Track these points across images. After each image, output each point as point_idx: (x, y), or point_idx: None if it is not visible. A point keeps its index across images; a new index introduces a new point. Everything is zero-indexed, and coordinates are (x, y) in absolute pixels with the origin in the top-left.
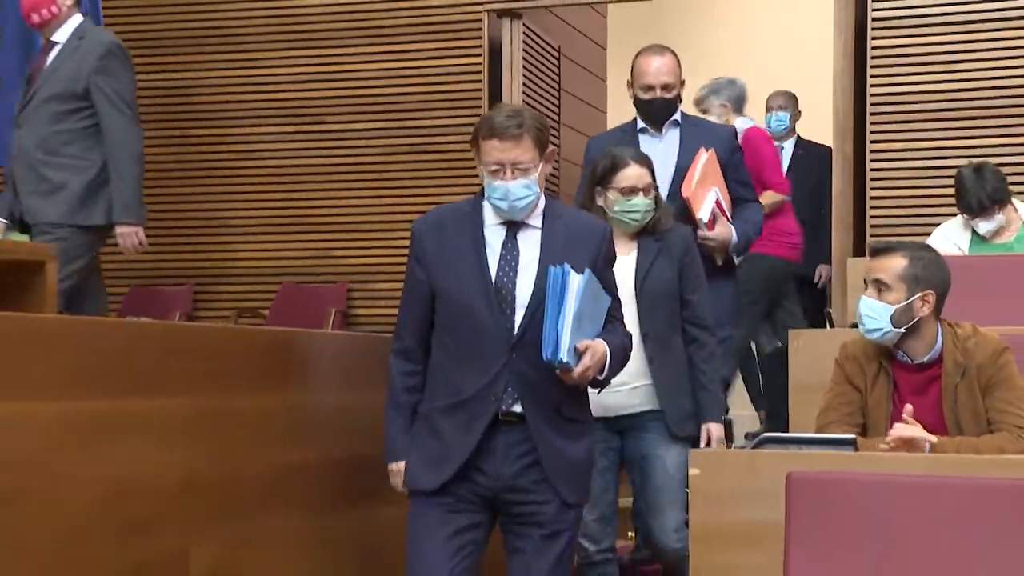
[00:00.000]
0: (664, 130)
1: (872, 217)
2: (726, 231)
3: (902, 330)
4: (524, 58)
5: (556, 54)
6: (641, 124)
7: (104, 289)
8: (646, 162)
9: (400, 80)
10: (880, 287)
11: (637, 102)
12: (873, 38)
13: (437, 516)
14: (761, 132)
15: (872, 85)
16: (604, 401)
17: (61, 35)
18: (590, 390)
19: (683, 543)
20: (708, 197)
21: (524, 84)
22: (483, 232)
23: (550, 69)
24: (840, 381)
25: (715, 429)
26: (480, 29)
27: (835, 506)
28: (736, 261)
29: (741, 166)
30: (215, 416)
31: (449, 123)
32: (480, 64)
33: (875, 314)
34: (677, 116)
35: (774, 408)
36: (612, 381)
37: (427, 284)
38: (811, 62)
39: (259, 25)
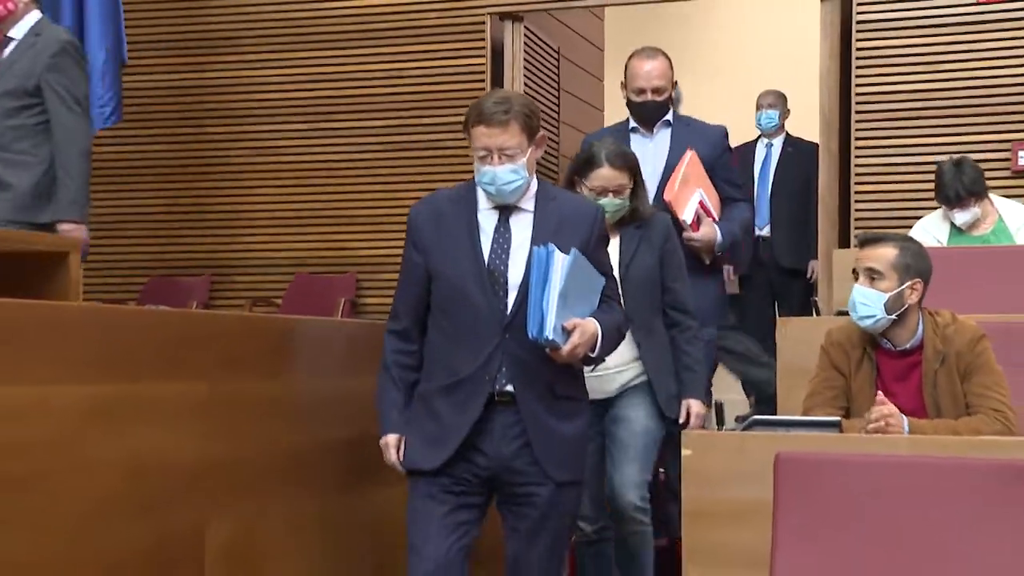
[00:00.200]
0: (655, 130)
1: (856, 211)
2: (711, 231)
3: (894, 316)
4: (525, 59)
5: (556, 55)
6: (633, 124)
7: None
8: (622, 163)
9: (407, 80)
10: (873, 275)
11: (629, 103)
12: (858, 40)
13: (435, 496)
14: None
15: (857, 85)
16: (590, 384)
17: (18, 31)
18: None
19: (639, 502)
20: (691, 199)
21: (525, 84)
22: (476, 216)
23: (550, 70)
24: (826, 367)
25: (695, 405)
26: (483, 31)
27: (821, 485)
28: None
29: (730, 166)
30: (229, 399)
31: (453, 121)
32: (483, 65)
33: (869, 301)
34: (669, 117)
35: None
36: (599, 367)
37: (423, 267)
38: (799, 63)
39: (272, 28)
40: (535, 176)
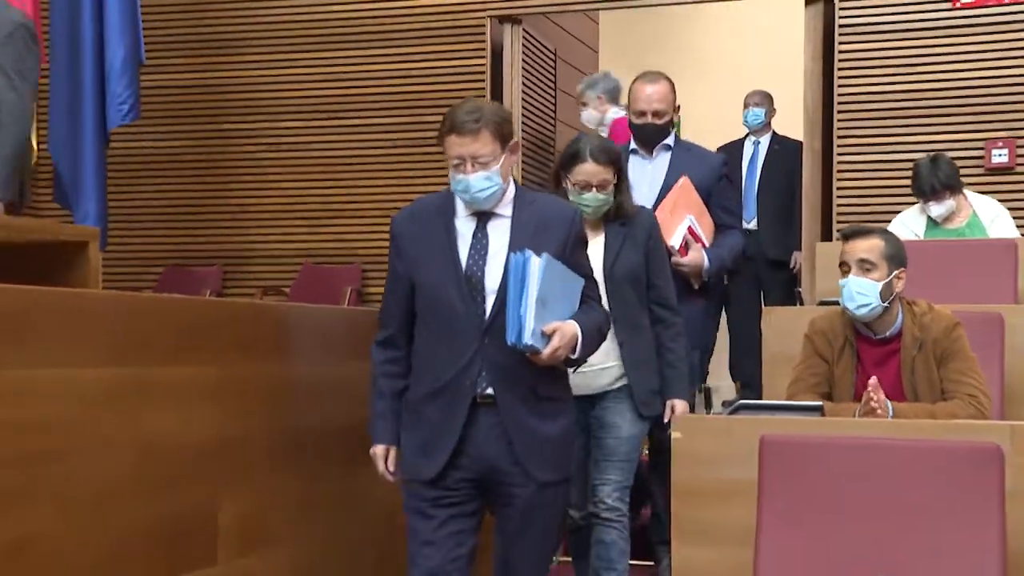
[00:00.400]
0: (655, 153)
1: (838, 206)
2: (698, 256)
3: (887, 304)
4: (523, 60)
5: (553, 56)
6: (633, 145)
7: None
8: (606, 158)
9: (410, 79)
10: (866, 266)
11: (631, 125)
12: (840, 44)
13: (426, 512)
14: (625, 123)
15: (839, 86)
16: (574, 381)
17: None
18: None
19: (618, 505)
20: (680, 224)
21: (523, 84)
22: (455, 223)
23: (547, 70)
24: (809, 354)
25: (679, 405)
26: (483, 33)
27: (804, 466)
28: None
29: (727, 192)
30: (240, 382)
31: None
32: (483, 65)
33: (866, 291)
34: (669, 140)
35: (748, 378)
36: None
37: (406, 275)
38: (785, 65)
39: (283, 29)
40: (512, 181)
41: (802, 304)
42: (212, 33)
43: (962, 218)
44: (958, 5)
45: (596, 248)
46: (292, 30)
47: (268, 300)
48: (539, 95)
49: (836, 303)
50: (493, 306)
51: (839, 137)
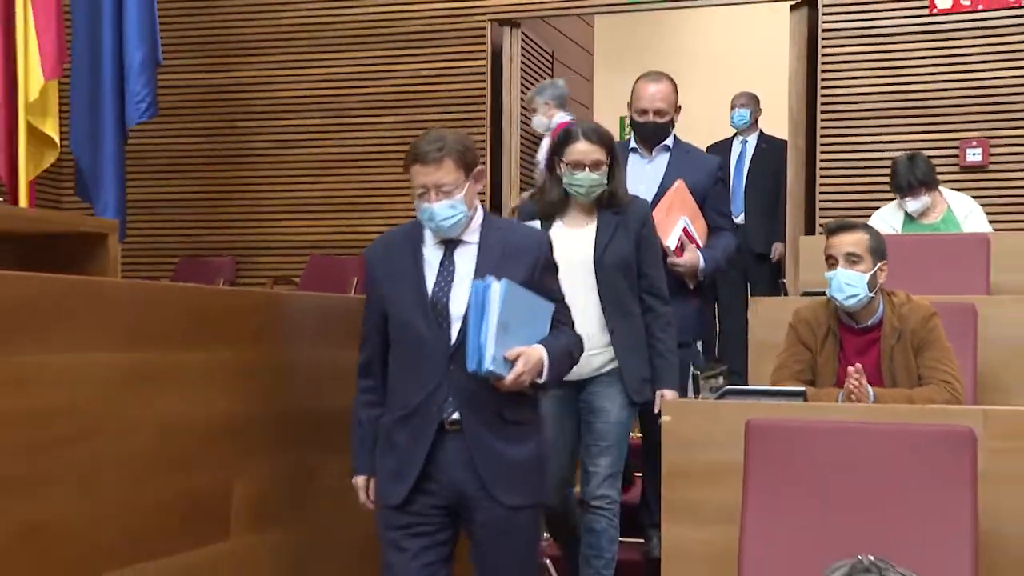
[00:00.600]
0: (654, 153)
1: (821, 201)
2: (694, 257)
3: (872, 294)
4: (522, 61)
5: (550, 58)
6: (633, 144)
7: None
8: (597, 137)
9: (414, 80)
10: (853, 259)
11: (633, 123)
12: (823, 47)
13: (399, 543)
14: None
15: (822, 87)
16: None
17: None
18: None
19: (607, 494)
20: (676, 226)
21: (522, 85)
22: (423, 251)
23: (544, 71)
24: (793, 342)
25: (669, 395)
26: (484, 36)
27: (787, 448)
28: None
29: (722, 195)
30: (252, 367)
31: (456, 117)
32: (484, 66)
33: (855, 283)
34: (669, 141)
35: (735, 364)
36: None
37: (379, 304)
38: (771, 67)
39: (293, 32)
40: (480, 207)
41: (786, 295)
42: (225, 36)
43: (937, 213)
44: (935, 11)
45: (587, 235)
46: (301, 33)
47: (278, 289)
48: None
49: (819, 294)
50: (459, 332)
51: (822, 136)
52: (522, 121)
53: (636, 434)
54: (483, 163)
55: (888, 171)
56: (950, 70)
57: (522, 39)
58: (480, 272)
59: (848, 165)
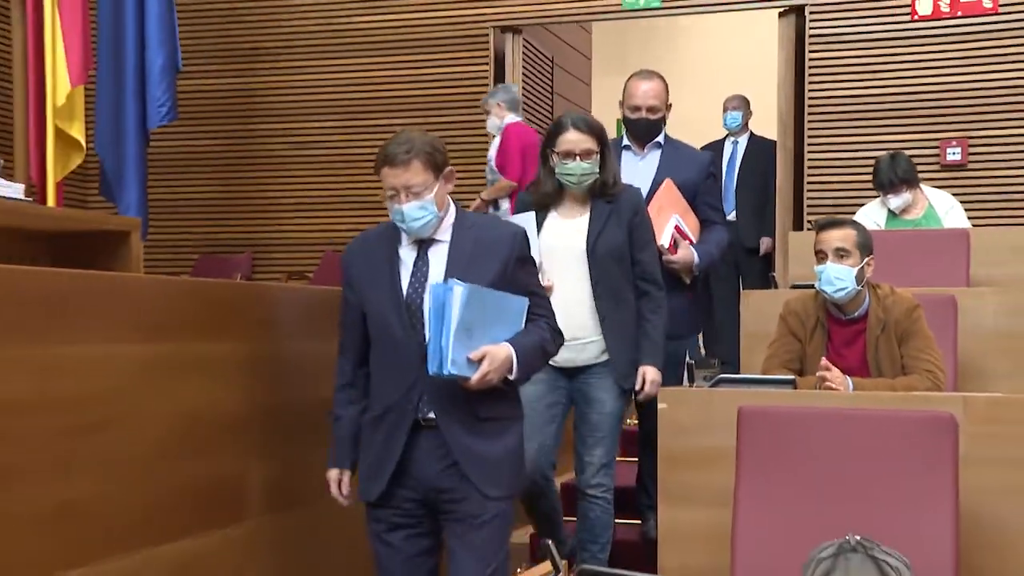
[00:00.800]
0: (646, 150)
1: (809, 199)
2: (687, 254)
3: (860, 287)
4: (523, 66)
5: (550, 63)
6: (626, 142)
7: None
8: (586, 126)
9: (422, 84)
10: (842, 254)
11: (625, 120)
12: (810, 52)
13: (382, 537)
14: (516, 129)
15: (809, 90)
16: (559, 354)
17: None
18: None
19: (602, 483)
20: (668, 224)
21: (523, 88)
22: (398, 251)
23: (545, 76)
24: (784, 333)
25: (650, 372)
26: (487, 42)
27: (777, 433)
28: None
29: (713, 190)
30: (268, 357)
31: (462, 119)
32: (487, 71)
33: (843, 276)
34: (660, 139)
35: (727, 354)
36: (566, 337)
37: (356, 304)
38: (760, 71)
39: (308, 39)
40: (453, 206)
41: (776, 288)
42: (242, 42)
43: (919, 210)
44: (916, 18)
45: (581, 225)
46: (314, 40)
47: (293, 284)
48: (538, 98)
49: (807, 287)
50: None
51: (809, 137)
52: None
53: (632, 421)
54: (452, 165)
55: (872, 170)
56: (931, 73)
57: (523, 45)
58: (450, 271)
59: (834, 164)
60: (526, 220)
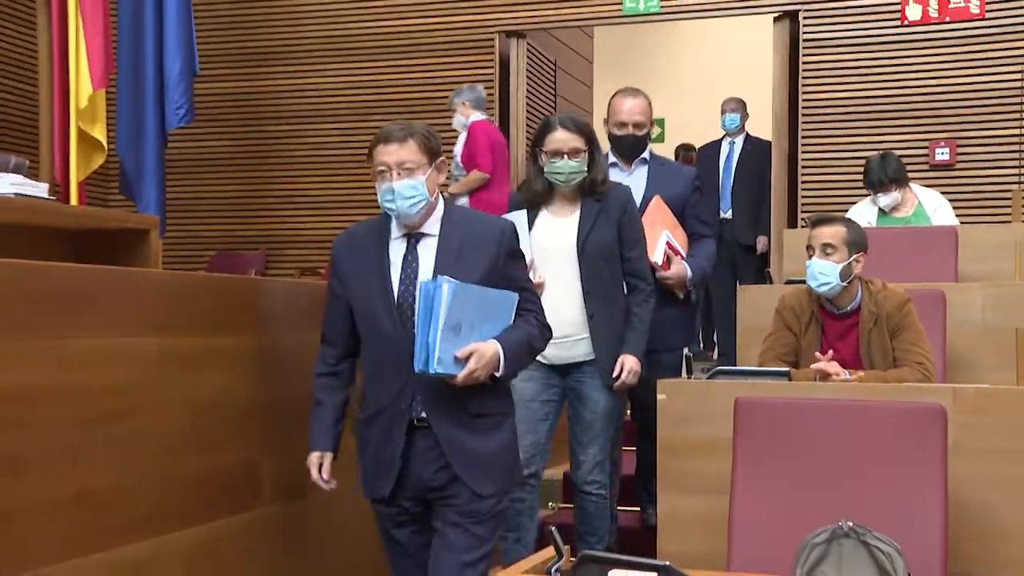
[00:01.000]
0: (633, 167)
1: (803, 197)
2: (681, 268)
3: (845, 283)
4: (528, 70)
5: (553, 67)
6: (612, 159)
7: None
8: (574, 125)
9: (429, 86)
10: (828, 250)
11: (611, 137)
12: (804, 56)
13: (392, 528)
14: (482, 125)
15: (803, 93)
16: (549, 351)
17: None
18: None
19: (600, 477)
20: (659, 240)
21: (528, 90)
22: (388, 246)
23: (548, 79)
24: (779, 327)
25: (629, 360)
26: (492, 46)
27: (773, 423)
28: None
29: (700, 204)
30: (279, 351)
31: None
32: (492, 74)
33: (827, 271)
34: (646, 155)
35: (725, 347)
36: (556, 334)
37: (343, 296)
38: (756, 75)
39: (319, 43)
40: (442, 199)
41: (771, 283)
42: (256, 48)
43: (909, 208)
44: (906, 23)
45: (571, 223)
46: (326, 45)
47: (305, 279)
48: (541, 100)
49: (802, 282)
50: None
51: (803, 138)
52: (528, 125)
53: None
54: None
55: (863, 169)
56: (920, 76)
57: (527, 49)
58: (439, 266)
59: (827, 164)
60: (518, 218)
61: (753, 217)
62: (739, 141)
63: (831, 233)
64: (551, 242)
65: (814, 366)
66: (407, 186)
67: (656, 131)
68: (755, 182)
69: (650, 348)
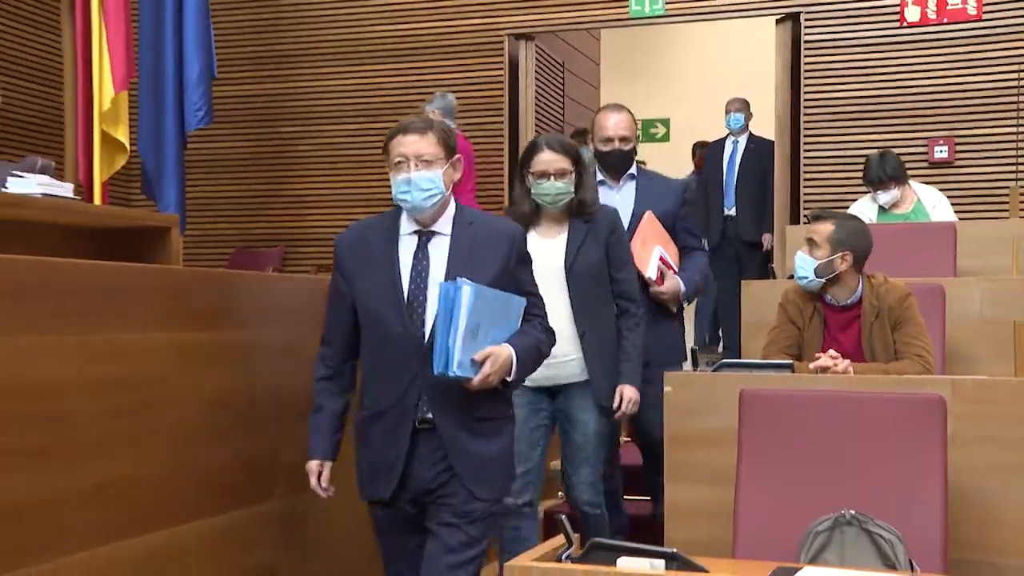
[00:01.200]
0: (621, 183)
1: (805, 195)
2: (674, 283)
3: (823, 280)
4: (536, 71)
5: (561, 68)
6: (600, 177)
7: None
8: (560, 147)
9: (441, 88)
10: (812, 245)
11: (597, 154)
12: (806, 57)
13: (388, 530)
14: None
15: (805, 93)
16: (538, 372)
17: None
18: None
19: (594, 498)
20: (652, 256)
21: (536, 92)
22: (397, 244)
23: (556, 80)
24: (783, 320)
25: (628, 391)
26: (502, 48)
27: (777, 415)
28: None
29: (690, 217)
30: (295, 345)
31: (478, 122)
32: (502, 76)
33: (804, 265)
34: (633, 170)
35: (729, 341)
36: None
37: (348, 294)
38: (758, 74)
39: (333, 46)
40: (453, 200)
41: (775, 278)
42: (272, 52)
43: (908, 204)
44: (905, 24)
45: (559, 244)
46: (339, 48)
47: (320, 275)
48: (550, 101)
49: None
50: (432, 331)
51: (805, 136)
52: (536, 126)
53: (627, 439)
54: (460, 157)
55: (863, 167)
56: (919, 76)
57: (536, 51)
58: (452, 267)
59: (828, 162)
60: None
61: (757, 214)
62: (743, 140)
63: (816, 230)
64: (539, 263)
65: (812, 364)
66: (424, 178)
67: (661, 131)
68: (758, 180)
69: (644, 363)
